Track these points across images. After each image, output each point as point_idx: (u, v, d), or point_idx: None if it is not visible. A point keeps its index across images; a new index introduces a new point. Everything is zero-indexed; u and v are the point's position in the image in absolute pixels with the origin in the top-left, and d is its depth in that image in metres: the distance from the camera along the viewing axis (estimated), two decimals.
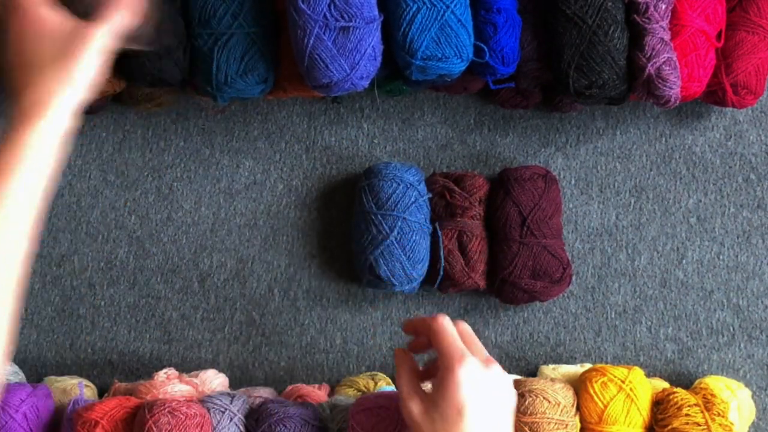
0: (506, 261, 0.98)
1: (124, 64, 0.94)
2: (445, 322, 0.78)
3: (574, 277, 1.04)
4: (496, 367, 0.78)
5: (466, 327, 0.80)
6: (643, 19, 0.93)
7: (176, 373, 0.99)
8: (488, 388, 0.76)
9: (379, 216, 0.97)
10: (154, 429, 0.86)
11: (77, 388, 0.98)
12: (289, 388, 1.00)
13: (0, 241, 0.67)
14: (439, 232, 0.98)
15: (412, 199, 0.97)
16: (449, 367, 0.75)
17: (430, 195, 1.00)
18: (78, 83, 0.72)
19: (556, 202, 1.00)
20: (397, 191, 0.97)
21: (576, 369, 1.00)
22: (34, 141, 0.70)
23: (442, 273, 0.98)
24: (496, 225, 1.00)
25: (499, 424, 0.76)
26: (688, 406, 0.92)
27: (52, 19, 0.71)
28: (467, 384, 0.75)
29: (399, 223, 0.96)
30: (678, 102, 0.95)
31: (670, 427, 0.91)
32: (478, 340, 0.80)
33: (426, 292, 1.04)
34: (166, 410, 0.87)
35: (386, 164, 1.00)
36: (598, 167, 1.07)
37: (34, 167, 0.70)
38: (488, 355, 0.79)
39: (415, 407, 0.76)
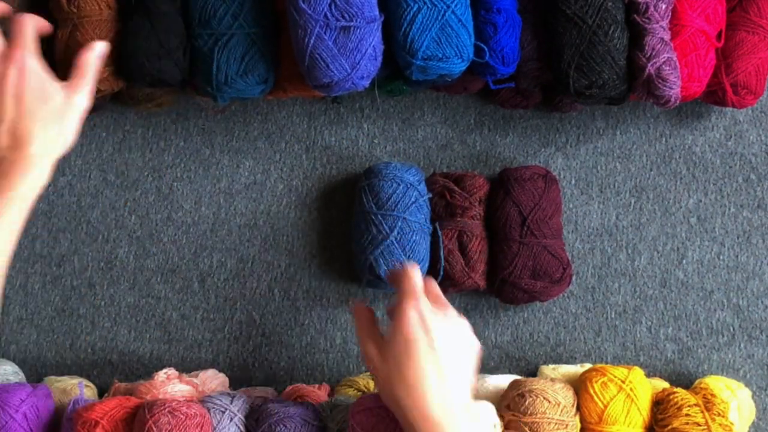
0: (506, 261, 0.98)
1: (124, 64, 0.94)
2: (412, 270, 0.82)
3: (574, 277, 1.04)
4: (451, 311, 0.82)
5: (432, 283, 0.84)
6: (643, 19, 0.93)
7: (176, 373, 0.99)
8: (439, 327, 0.79)
9: (379, 216, 0.96)
10: (154, 429, 0.86)
11: (77, 388, 0.98)
12: (289, 388, 1.00)
13: None
14: (440, 232, 0.98)
15: (413, 199, 0.97)
16: (400, 305, 0.79)
17: (430, 195, 1.00)
18: (67, 143, 0.81)
19: (556, 202, 1.00)
20: (398, 191, 0.97)
21: (576, 369, 1.00)
22: (26, 188, 0.77)
23: (442, 273, 0.98)
24: (496, 225, 1.00)
25: (452, 365, 0.78)
26: (688, 406, 0.92)
27: (47, 82, 0.79)
28: (414, 320, 0.78)
29: (399, 223, 0.96)
30: (678, 102, 0.95)
31: (670, 427, 0.91)
32: (443, 296, 0.84)
33: None
34: (166, 410, 0.87)
35: (386, 164, 1.00)
36: (598, 167, 1.07)
37: (17, 215, 0.78)
38: (448, 304, 0.83)
39: (371, 349, 0.80)
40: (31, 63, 0.78)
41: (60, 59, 0.93)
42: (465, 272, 0.98)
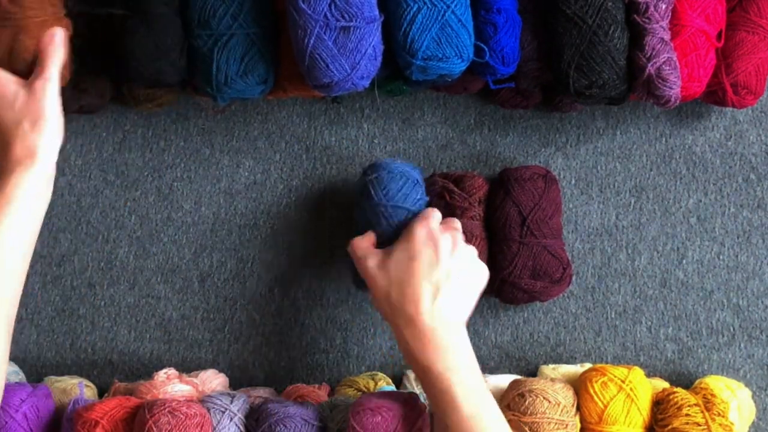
0: (506, 261, 0.98)
1: (121, 65, 0.94)
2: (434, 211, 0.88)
3: (574, 277, 1.04)
4: (460, 236, 0.86)
5: (454, 219, 0.90)
6: (643, 19, 0.93)
7: (176, 373, 0.99)
8: (446, 245, 0.84)
9: (389, 208, 0.95)
10: (154, 429, 0.86)
11: (77, 388, 0.98)
12: (289, 388, 1.00)
13: None
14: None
15: (418, 195, 0.96)
16: (410, 225, 0.85)
17: (427, 198, 0.99)
18: (52, 131, 0.83)
19: (556, 202, 1.00)
20: (407, 185, 0.96)
21: (576, 369, 1.00)
22: (26, 184, 0.81)
23: None
24: (496, 225, 1.00)
25: (453, 281, 0.82)
26: (688, 406, 0.92)
27: (5, 83, 0.82)
28: (422, 235, 0.84)
29: (408, 216, 0.94)
30: (678, 102, 0.95)
31: (670, 427, 0.91)
32: (456, 222, 0.89)
33: None
34: (166, 410, 0.87)
35: (392, 159, 0.99)
36: (598, 167, 1.07)
37: (26, 208, 0.81)
38: (459, 229, 0.87)
39: (371, 261, 0.86)
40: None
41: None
42: None
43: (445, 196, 1.00)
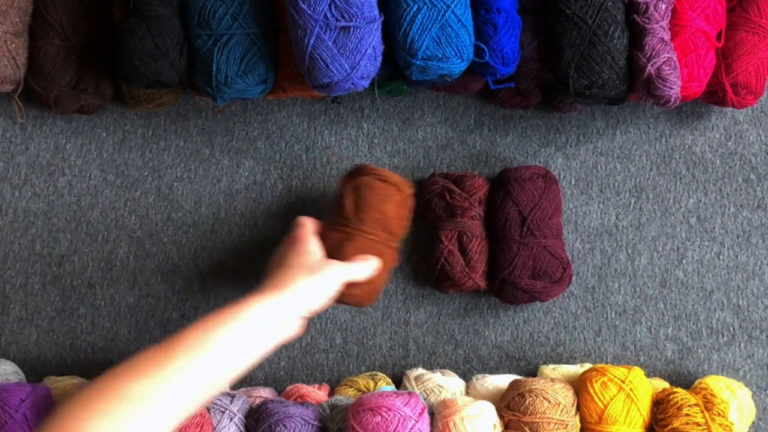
0: (506, 261, 0.98)
1: (121, 66, 0.94)
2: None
3: (574, 277, 1.04)
4: None
5: None
6: (643, 19, 0.93)
7: None
8: None
9: None
10: None
11: (77, 388, 0.98)
12: (289, 388, 1.00)
13: (193, 377, 0.73)
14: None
15: None
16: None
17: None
18: (313, 292, 0.84)
19: (556, 202, 1.00)
20: None
21: (576, 369, 1.00)
22: (260, 310, 0.79)
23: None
24: (496, 225, 1.00)
25: None
26: (688, 406, 0.92)
27: (314, 248, 0.88)
28: None
29: None
30: (678, 102, 0.95)
31: (670, 427, 0.91)
32: None
33: (426, 293, 1.04)
34: None
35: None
36: (598, 167, 1.07)
37: (247, 333, 0.78)
38: None
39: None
40: (304, 233, 0.90)
41: None
42: (465, 272, 0.98)
43: (445, 196, 1.00)
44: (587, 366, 1.00)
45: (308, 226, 0.91)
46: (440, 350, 1.05)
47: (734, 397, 0.97)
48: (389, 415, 0.86)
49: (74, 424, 0.67)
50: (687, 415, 0.91)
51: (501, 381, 0.98)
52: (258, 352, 0.79)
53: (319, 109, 1.07)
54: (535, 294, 0.98)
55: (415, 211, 0.98)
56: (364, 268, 0.90)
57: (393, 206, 0.93)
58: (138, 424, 0.68)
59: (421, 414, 0.89)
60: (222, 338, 0.76)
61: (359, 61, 0.90)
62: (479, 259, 0.99)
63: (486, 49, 0.93)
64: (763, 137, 1.07)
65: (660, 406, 0.93)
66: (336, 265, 0.87)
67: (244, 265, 1.05)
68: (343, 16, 0.88)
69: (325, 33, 0.88)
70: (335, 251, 0.90)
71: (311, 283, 0.84)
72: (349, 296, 0.90)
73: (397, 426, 0.86)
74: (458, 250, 0.99)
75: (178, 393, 0.72)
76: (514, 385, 0.95)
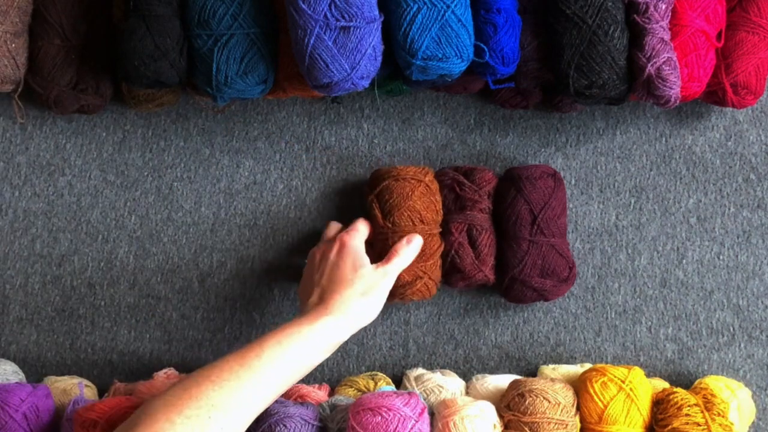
0: (516, 259, 0.98)
1: (121, 66, 0.94)
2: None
3: None
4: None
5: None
6: (643, 19, 0.93)
7: (176, 373, 0.99)
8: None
9: None
10: None
11: (77, 388, 0.98)
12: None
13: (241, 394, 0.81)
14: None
15: None
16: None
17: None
18: (371, 312, 0.91)
19: (563, 202, 1.00)
20: None
21: (576, 369, 1.00)
22: (325, 332, 0.87)
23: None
24: (506, 223, 0.99)
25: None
26: (688, 406, 0.92)
27: (366, 260, 0.93)
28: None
29: None
30: (678, 102, 0.95)
31: (670, 427, 0.91)
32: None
33: None
34: None
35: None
36: (598, 167, 1.07)
37: (313, 351, 0.87)
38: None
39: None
40: (352, 242, 0.94)
41: None
42: (475, 265, 0.98)
43: (455, 189, 1.00)
44: (587, 366, 1.00)
45: (359, 233, 0.96)
46: (440, 350, 1.05)
47: (734, 397, 0.97)
48: (389, 415, 0.86)
49: (158, 425, 0.74)
50: (687, 415, 0.91)
51: (501, 381, 0.98)
52: (314, 366, 0.87)
53: (319, 109, 1.07)
54: (544, 293, 0.98)
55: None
56: (408, 250, 0.95)
57: (418, 198, 0.97)
58: (216, 428, 0.77)
59: (421, 414, 0.89)
60: (294, 354, 0.84)
61: (359, 61, 0.90)
62: (489, 253, 0.99)
63: (486, 49, 0.93)
64: (763, 137, 1.07)
65: (660, 406, 0.93)
66: (387, 274, 0.93)
67: (244, 265, 1.05)
68: (343, 16, 0.88)
69: (325, 33, 0.88)
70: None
71: (369, 305, 0.91)
72: (412, 293, 0.98)
73: (397, 426, 0.86)
74: (468, 243, 0.99)
75: (252, 401, 0.81)
76: (514, 385, 0.95)
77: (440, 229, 0.99)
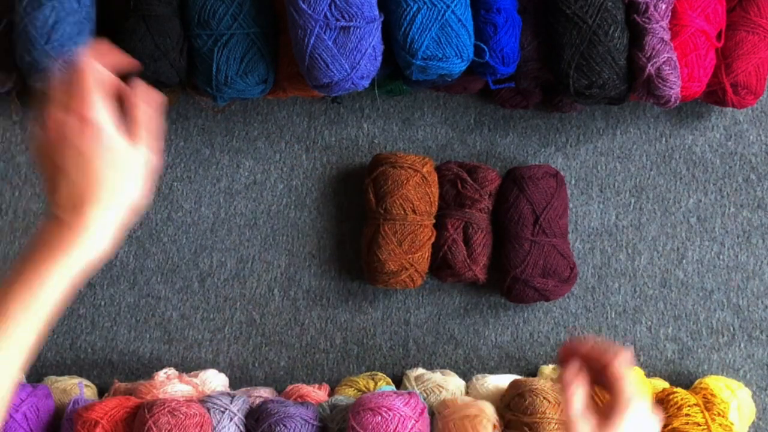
0: (518, 259, 0.98)
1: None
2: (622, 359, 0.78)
3: None
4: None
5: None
6: (643, 19, 0.93)
7: (176, 373, 0.99)
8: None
9: None
10: (154, 429, 0.86)
11: (77, 388, 0.98)
12: (289, 387, 1.00)
13: None
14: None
15: None
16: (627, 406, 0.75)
17: None
18: (133, 200, 0.69)
19: (565, 203, 1.00)
20: None
21: None
22: (79, 256, 0.67)
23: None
24: (508, 222, 0.99)
25: None
26: (688, 406, 0.92)
27: (120, 143, 0.68)
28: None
29: None
30: (678, 102, 0.95)
31: (670, 427, 0.91)
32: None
33: (426, 292, 1.04)
34: (166, 410, 0.87)
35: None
36: (598, 167, 1.07)
37: (62, 285, 0.66)
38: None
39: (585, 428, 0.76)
40: (97, 116, 0.67)
41: None
42: (466, 263, 0.98)
43: (457, 185, 1.00)
44: None
45: (93, 88, 0.67)
46: (440, 350, 1.05)
47: (734, 397, 0.97)
48: (389, 415, 0.86)
49: None
50: (687, 415, 0.91)
51: (501, 381, 0.98)
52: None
53: (319, 109, 1.07)
54: (546, 293, 0.98)
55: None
56: (149, 112, 0.71)
57: (412, 187, 0.97)
58: None
59: (421, 414, 0.89)
60: (47, 309, 0.66)
61: (359, 61, 0.90)
62: (482, 252, 0.99)
63: (486, 49, 0.93)
64: (763, 137, 1.07)
65: (660, 406, 0.93)
66: (142, 153, 0.69)
67: (244, 265, 1.05)
68: (343, 16, 0.88)
69: (325, 33, 0.88)
70: (369, 247, 0.96)
71: (129, 195, 0.68)
72: (396, 282, 0.98)
73: (397, 426, 0.86)
74: (462, 240, 0.99)
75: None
76: (514, 385, 0.95)
77: (433, 221, 0.99)
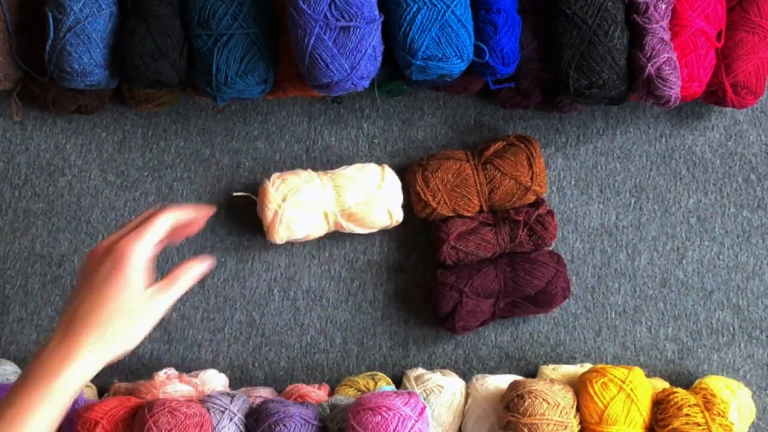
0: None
1: (121, 66, 0.94)
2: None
3: (574, 277, 1.04)
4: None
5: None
6: (643, 19, 0.93)
7: (176, 373, 0.99)
8: None
9: None
10: (154, 429, 0.86)
11: None
12: (289, 387, 1.00)
13: None
14: None
15: None
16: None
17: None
18: (129, 343, 0.74)
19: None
20: None
21: (576, 369, 1.00)
22: (67, 381, 0.70)
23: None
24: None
25: None
26: (688, 406, 0.92)
27: (140, 295, 0.74)
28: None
29: None
30: (678, 102, 0.95)
31: (670, 427, 0.91)
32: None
33: (426, 292, 1.04)
34: (166, 410, 0.87)
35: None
36: (598, 167, 1.07)
37: (55, 409, 0.69)
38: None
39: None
40: (130, 263, 0.73)
41: None
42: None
43: (518, 229, 1.00)
44: (587, 366, 1.00)
45: (147, 239, 0.75)
46: (440, 350, 1.05)
47: (734, 397, 0.97)
48: (389, 415, 0.86)
49: None
50: (687, 415, 0.91)
51: (501, 381, 0.98)
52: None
53: (319, 109, 1.07)
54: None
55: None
56: (192, 274, 0.79)
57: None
58: None
59: (421, 414, 0.89)
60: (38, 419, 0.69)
61: (359, 61, 0.90)
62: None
63: (486, 49, 0.93)
64: (763, 137, 1.07)
65: (660, 406, 0.93)
66: (164, 300, 0.76)
67: (244, 265, 1.05)
68: (343, 16, 0.88)
69: (325, 33, 0.88)
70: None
71: (129, 336, 0.73)
72: None
73: (397, 426, 0.86)
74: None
75: None
76: (513, 386, 0.95)
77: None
